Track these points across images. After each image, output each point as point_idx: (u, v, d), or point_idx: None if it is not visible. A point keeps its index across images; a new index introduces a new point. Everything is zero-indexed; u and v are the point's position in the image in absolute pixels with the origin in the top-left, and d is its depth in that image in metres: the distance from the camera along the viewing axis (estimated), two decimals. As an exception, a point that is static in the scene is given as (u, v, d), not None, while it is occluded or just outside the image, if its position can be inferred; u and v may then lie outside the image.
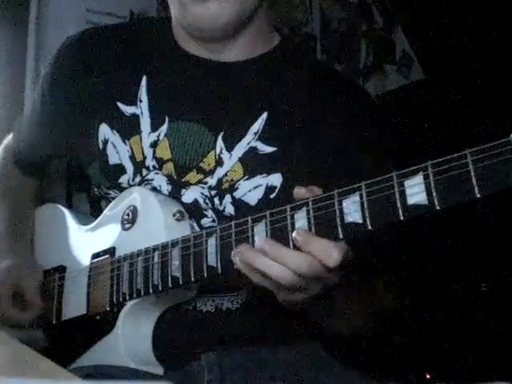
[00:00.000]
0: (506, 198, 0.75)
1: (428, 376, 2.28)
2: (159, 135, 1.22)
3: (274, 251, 0.91)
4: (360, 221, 0.86)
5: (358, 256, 0.93)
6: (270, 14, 1.28)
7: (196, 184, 1.20)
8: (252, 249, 0.93)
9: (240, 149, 1.19)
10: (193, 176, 1.20)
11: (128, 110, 1.24)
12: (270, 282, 0.94)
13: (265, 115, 1.20)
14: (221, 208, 1.19)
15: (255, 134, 1.19)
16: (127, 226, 1.21)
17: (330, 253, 0.88)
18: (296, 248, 0.90)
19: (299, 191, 0.93)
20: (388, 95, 2.83)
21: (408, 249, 1.24)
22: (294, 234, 0.90)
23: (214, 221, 1.19)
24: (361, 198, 0.86)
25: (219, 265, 1.00)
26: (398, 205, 0.82)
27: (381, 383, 1.22)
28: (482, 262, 2.36)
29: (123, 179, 1.24)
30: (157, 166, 1.22)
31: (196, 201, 1.20)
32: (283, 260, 0.90)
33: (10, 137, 1.51)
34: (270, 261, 0.91)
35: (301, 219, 0.91)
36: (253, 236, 0.95)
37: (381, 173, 0.85)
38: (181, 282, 1.05)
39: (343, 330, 1.21)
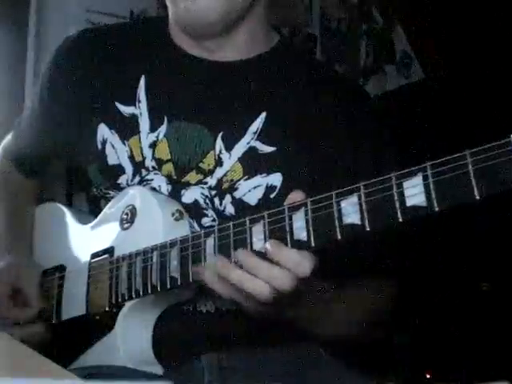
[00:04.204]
0: (506, 199, 0.75)
1: (428, 376, 2.28)
2: (158, 135, 1.22)
3: (249, 264, 0.93)
4: (358, 222, 0.85)
5: (330, 265, 0.94)
6: (269, 14, 1.28)
7: (196, 184, 1.20)
8: (227, 261, 0.95)
9: (239, 149, 1.19)
10: (192, 176, 1.20)
11: (127, 110, 1.24)
12: (240, 295, 0.96)
13: (264, 115, 1.20)
14: (221, 208, 1.19)
15: (254, 133, 1.19)
16: (126, 225, 1.21)
17: (301, 263, 0.90)
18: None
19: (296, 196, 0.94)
20: (388, 95, 2.83)
21: (407, 249, 1.23)
22: (266, 245, 0.92)
23: (214, 220, 1.19)
24: (359, 199, 0.85)
25: (217, 265, 1.00)
26: (397, 206, 0.81)
27: (381, 383, 1.22)
28: (482, 262, 2.36)
29: (122, 179, 1.24)
30: (156, 167, 1.22)
31: (196, 201, 1.20)
32: (259, 272, 0.92)
33: (9, 136, 1.51)
34: (245, 273, 0.93)
35: (299, 220, 0.91)
36: (251, 237, 0.95)
37: (380, 172, 0.85)
38: (179, 283, 1.04)
39: (329, 334, 1.21)
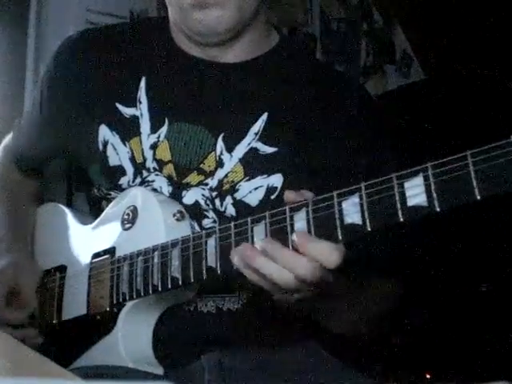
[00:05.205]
0: (506, 199, 0.75)
1: (428, 376, 2.28)
2: (159, 137, 1.22)
3: (274, 252, 0.91)
4: (359, 222, 0.85)
5: (354, 257, 0.93)
6: (270, 14, 1.28)
7: (197, 185, 1.20)
8: (253, 248, 0.93)
9: (240, 150, 1.19)
10: (193, 177, 1.20)
11: (127, 111, 1.24)
12: (267, 283, 0.94)
13: (265, 116, 1.20)
14: (222, 209, 1.19)
15: (256, 134, 1.19)
16: (127, 225, 1.21)
17: (330, 255, 0.88)
18: (295, 249, 0.90)
19: (290, 195, 0.93)
20: (388, 95, 2.83)
21: (407, 248, 1.24)
22: (293, 237, 0.90)
23: (215, 221, 1.19)
24: (360, 199, 0.85)
25: (218, 266, 0.99)
26: (398, 206, 0.81)
27: (380, 383, 1.22)
28: (482, 262, 2.36)
29: (123, 180, 1.24)
30: (157, 168, 1.22)
31: (197, 202, 1.20)
32: (283, 261, 0.90)
33: (9, 136, 1.51)
34: (270, 261, 0.91)
35: (300, 220, 0.91)
36: (252, 237, 0.95)
37: (381, 172, 0.85)
38: (180, 283, 1.04)
39: (344, 330, 1.21)
